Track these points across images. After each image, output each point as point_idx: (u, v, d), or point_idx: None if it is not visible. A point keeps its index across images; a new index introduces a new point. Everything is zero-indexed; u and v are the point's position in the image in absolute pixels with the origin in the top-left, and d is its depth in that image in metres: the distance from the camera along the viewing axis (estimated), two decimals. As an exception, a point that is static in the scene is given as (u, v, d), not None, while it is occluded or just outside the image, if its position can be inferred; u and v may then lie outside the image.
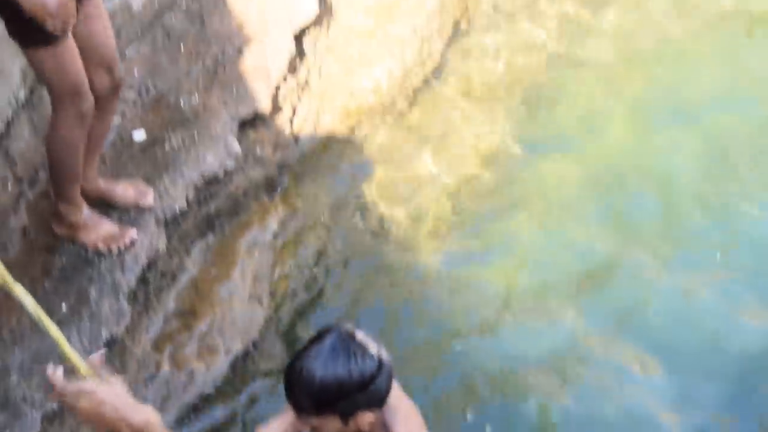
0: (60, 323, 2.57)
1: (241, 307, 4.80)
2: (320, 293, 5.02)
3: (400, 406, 2.79)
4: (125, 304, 4.40)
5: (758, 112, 5.98)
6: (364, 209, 5.39)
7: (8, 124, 4.51)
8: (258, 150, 5.33)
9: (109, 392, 2.49)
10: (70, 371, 2.55)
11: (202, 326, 4.68)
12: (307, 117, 5.65)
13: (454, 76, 6.13)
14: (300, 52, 5.76)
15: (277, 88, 5.52)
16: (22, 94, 4.58)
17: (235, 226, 5.12)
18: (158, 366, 4.51)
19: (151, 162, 4.95)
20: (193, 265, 4.89)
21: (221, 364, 4.59)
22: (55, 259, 4.48)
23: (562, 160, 5.71)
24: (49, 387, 2.53)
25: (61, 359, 2.55)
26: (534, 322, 4.96)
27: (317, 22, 5.90)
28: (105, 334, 4.26)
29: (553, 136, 5.85)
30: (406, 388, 2.88)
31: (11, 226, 4.50)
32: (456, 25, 6.36)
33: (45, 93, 4.24)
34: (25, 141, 4.64)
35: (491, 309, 5.02)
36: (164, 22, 5.50)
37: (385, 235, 5.28)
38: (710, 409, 4.64)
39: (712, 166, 5.66)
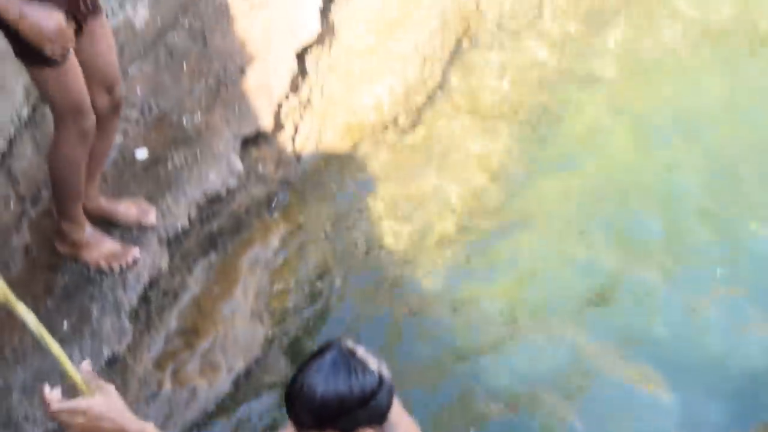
0: (62, 341, 2.57)
1: (243, 325, 4.79)
2: (322, 310, 5.02)
3: (401, 422, 2.78)
4: (127, 323, 4.40)
5: (762, 129, 5.98)
6: (366, 226, 5.38)
7: (11, 142, 4.52)
8: (260, 168, 5.34)
9: (106, 406, 2.50)
10: (71, 389, 2.55)
11: (204, 344, 4.68)
12: (309, 135, 5.65)
13: (457, 94, 6.13)
14: (302, 70, 5.78)
15: (279, 106, 5.53)
16: (25, 112, 4.58)
17: (237, 244, 5.12)
18: (160, 384, 4.50)
19: (154, 180, 4.96)
20: (195, 283, 4.89)
21: (223, 382, 4.59)
22: (57, 277, 4.47)
23: (565, 177, 5.72)
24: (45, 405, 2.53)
25: (63, 377, 2.55)
26: (537, 339, 4.95)
27: (319, 40, 5.91)
28: (106, 353, 4.26)
29: (556, 153, 5.86)
30: (407, 405, 2.87)
31: (14, 245, 4.49)
32: (458, 42, 6.36)
33: (48, 111, 4.24)
34: (27, 159, 4.65)
35: (494, 326, 5.01)
36: (167, 41, 5.51)
37: (387, 251, 5.28)
38: (716, 426, 4.63)
39: (715, 183, 5.67)
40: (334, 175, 5.58)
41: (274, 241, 5.18)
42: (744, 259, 5.27)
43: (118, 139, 4.90)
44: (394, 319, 5.00)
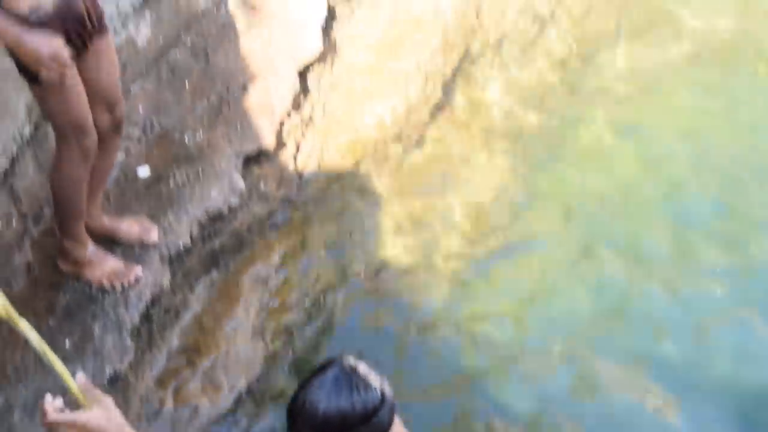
0: (64, 360, 2.55)
1: (245, 343, 4.78)
2: (324, 328, 5.01)
3: (403, 439, 2.78)
4: (129, 341, 4.40)
5: (768, 146, 5.97)
6: (368, 244, 5.37)
7: (13, 161, 4.52)
8: (262, 186, 5.34)
9: (105, 419, 2.49)
10: (74, 405, 2.54)
11: (206, 362, 4.67)
12: (311, 153, 5.66)
13: (459, 112, 6.13)
14: (304, 89, 5.79)
15: (281, 125, 5.54)
16: (27, 131, 4.59)
17: (239, 262, 5.11)
18: (162, 402, 4.49)
19: (156, 198, 4.96)
20: (197, 301, 4.89)
21: (225, 400, 4.57)
22: (59, 295, 4.47)
23: (570, 194, 5.70)
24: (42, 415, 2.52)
25: (65, 394, 2.54)
26: (543, 359, 4.91)
27: (321, 59, 5.92)
28: (108, 371, 4.25)
29: (560, 171, 5.83)
30: (408, 423, 2.86)
31: (16, 263, 4.49)
32: (460, 60, 6.37)
33: (50, 130, 4.25)
34: (29, 178, 4.65)
35: (499, 345, 4.98)
36: (169, 59, 5.52)
37: (390, 269, 5.27)
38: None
39: (722, 201, 5.63)
40: (335, 193, 5.58)
41: (276, 259, 5.18)
42: (752, 277, 5.23)
43: (120, 157, 4.91)
44: (398, 337, 4.98)
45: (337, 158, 5.70)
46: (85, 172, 4.11)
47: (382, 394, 2.55)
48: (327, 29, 6.04)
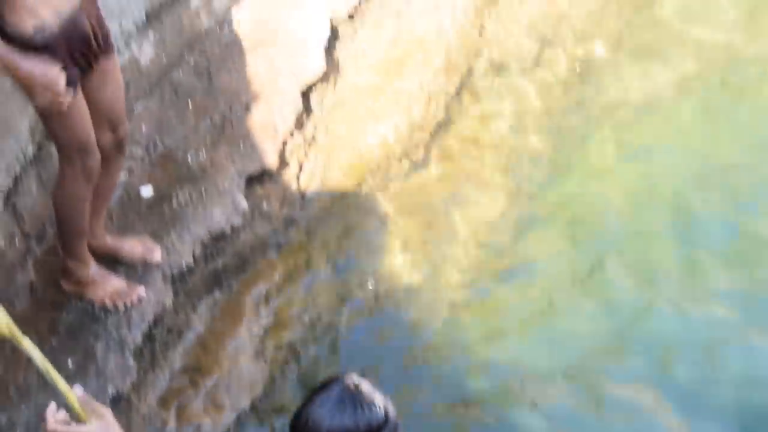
0: (66, 379, 2.56)
1: (247, 363, 4.77)
2: (327, 349, 4.99)
3: (405, 459, 2.76)
4: (131, 361, 4.39)
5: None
6: (371, 265, 5.36)
7: (16, 180, 4.53)
8: (265, 206, 5.34)
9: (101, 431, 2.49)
10: (76, 422, 2.54)
11: (208, 382, 4.66)
12: (314, 173, 5.65)
13: (462, 132, 6.12)
14: (307, 108, 5.79)
15: (284, 144, 5.54)
16: (30, 150, 4.59)
17: (241, 282, 5.11)
18: (164, 422, 4.48)
19: (158, 218, 4.96)
20: (199, 321, 4.88)
21: (227, 420, 4.56)
22: (62, 315, 4.47)
23: (576, 216, 5.66)
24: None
25: (68, 412, 2.54)
26: (551, 381, 4.88)
27: (324, 78, 5.93)
28: (111, 391, 4.25)
29: (566, 191, 5.79)
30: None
31: (18, 282, 4.49)
32: (463, 80, 6.36)
33: (53, 149, 4.26)
34: (32, 197, 4.65)
35: (506, 367, 4.95)
36: (172, 78, 5.53)
37: (393, 290, 5.25)
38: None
39: (732, 221, 5.58)
40: (338, 212, 5.57)
41: (279, 278, 5.17)
42: (761, 297, 5.17)
43: (123, 176, 4.91)
44: (401, 356, 4.96)
45: (340, 178, 5.70)
46: (88, 192, 4.11)
47: (386, 413, 2.54)
48: (330, 49, 6.05)
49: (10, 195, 4.50)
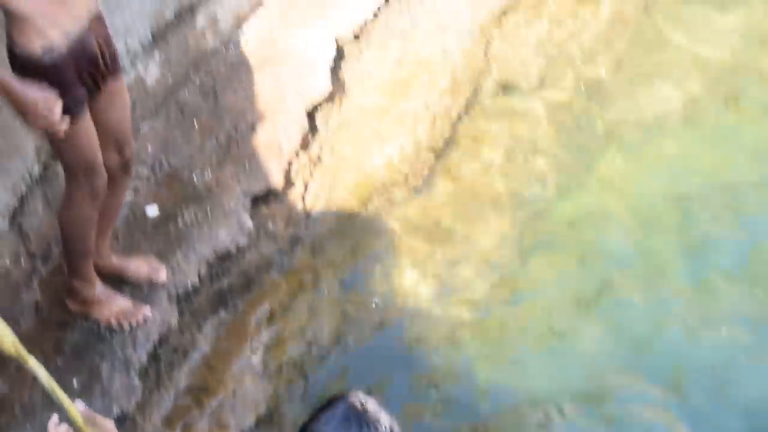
0: (71, 398, 2.57)
1: (252, 383, 4.76)
2: (333, 369, 4.98)
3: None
4: (136, 380, 4.39)
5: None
6: (377, 285, 5.35)
7: (22, 200, 4.53)
8: (270, 225, 5.34)
9: None
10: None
11: (213, 402, 4.65)
12: (319, 193, 5.65)
13: (467, 153, 6.12)
14: (312, 128, 5.79)
15: (290, 164, 5.55)
16: (36, 170, 4.60)
17: (247, 302, 5.10)
18: (170, 443, 4.48)
19: (164, 238, 4.97)
20: (205, 341, 4.87)
21: (233, 440, 4.56)
22: (67, 335, 4.47)
23: (584, 237, 5.64)
24: None
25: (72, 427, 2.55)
26: (560, 404, 4.85)
27: (330, 98, 5.94)
28: (116, 410, 4.24)
29: (573, 212, 5.77)
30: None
31: (24, 302, 4.50)
32: (468, 101, 6.36)
33: (59, 169, 4.26)
34: (38, 217, 4.66)
35: (514, 388, 4.93)
36: (178, 98, 5.54)
37: (398, 310, 5.25)
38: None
39: (745, 242, 5.54)
40: (343, 232, 5.56)
41: (284, 298, 5.16)
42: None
43: (128, 196, 4.92)
44: (408, 377, 4.94)
45: (345, 197, 5.69)
46: (94, 212, 4.12)
47: (392, 433, 2.53)
48: (336, 69, 6.06)
49: (16, 214, 4.50)
